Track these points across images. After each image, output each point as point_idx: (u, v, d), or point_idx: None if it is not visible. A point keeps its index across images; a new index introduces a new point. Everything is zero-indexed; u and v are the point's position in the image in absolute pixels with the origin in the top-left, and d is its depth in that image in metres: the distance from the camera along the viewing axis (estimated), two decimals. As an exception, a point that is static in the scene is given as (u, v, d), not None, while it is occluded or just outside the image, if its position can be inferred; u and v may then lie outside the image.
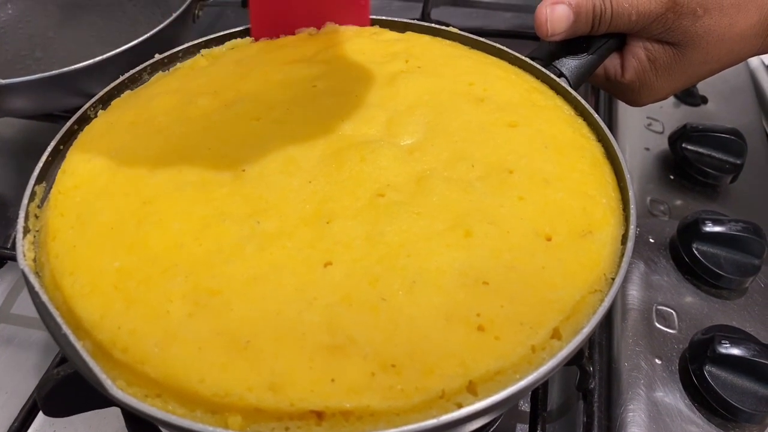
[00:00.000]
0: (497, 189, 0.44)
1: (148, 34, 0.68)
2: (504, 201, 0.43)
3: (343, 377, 0.34)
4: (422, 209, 0.42)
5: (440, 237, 0.41)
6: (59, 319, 0.37)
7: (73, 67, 0.66)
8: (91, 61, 0.65)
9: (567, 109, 0.53)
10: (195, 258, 0.39)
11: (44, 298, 0.38)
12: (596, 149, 0.49)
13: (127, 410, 0.35)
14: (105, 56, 0.66)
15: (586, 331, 0.37)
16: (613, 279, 0.41)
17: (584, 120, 0.52)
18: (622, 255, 0.42)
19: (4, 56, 0.80)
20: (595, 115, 0.51)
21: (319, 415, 0.33)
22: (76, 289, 0.38)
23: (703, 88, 0.82)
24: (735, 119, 0.79)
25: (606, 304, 0.38)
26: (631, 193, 0.45)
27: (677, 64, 0.58)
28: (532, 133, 0.49)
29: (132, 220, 0.41)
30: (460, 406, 0.33)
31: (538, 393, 0.52)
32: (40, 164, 0.47)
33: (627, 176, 0.46)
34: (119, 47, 0.66)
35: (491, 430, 0.49)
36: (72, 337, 0.37)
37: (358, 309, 0.37)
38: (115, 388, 0.34)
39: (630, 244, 0.42)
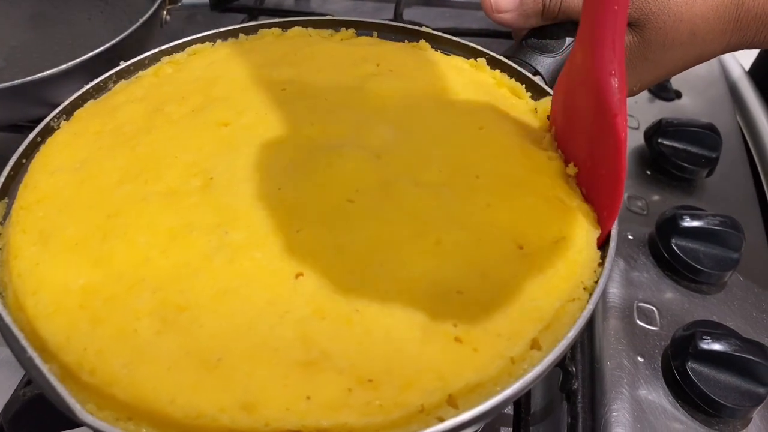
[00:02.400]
0: (465, 194, 0.43)
1: (114, 41, 0.66)
2: (473, 208, 0.42)
3: (319, 394, 0.33)
4: (391, 216, 0.41)
5: (411, 245, 0.40)
6: (24, 342, 0.35)
7: (37, 75, 0.64)
8: (55, 70, 0.63)
9: (543, 120, 0.51)
10: (162, 272, 0.38)
11: (7, 319, 0.36)
12: None
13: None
14: (70, 64, 0.64)
15: (565, 342, 0.36)
16: (595, 283, 0.40)
17: None
18: (603, 259, 0.41)
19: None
20: None
21: None
22: (39, 310, 0.37)
23: (677, 83, 0.82)
24: (709, 114, 0.79)
25: (586, 314, 0.37)
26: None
27: (636, 47, 0.57)
28: (500, 137, 0.48)
29: (97, 235, 0.40)
30: (441, 419, 0.32)
31: (520, 397, 0.51)
32: (1, 180, 0.45)
33: None
34: (85, 55, 0.64)
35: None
36: (38, 361, 0.35)
37: (332, 322, 0.36)
38: (84, 412, 0.33)
39: (611, 250, 0.41)
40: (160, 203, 0.42)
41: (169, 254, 0.39)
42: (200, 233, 0.40)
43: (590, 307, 0.37)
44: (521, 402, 0.51)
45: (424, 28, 0.60)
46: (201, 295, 0.37)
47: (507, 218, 0.42)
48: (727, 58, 0.91)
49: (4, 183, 0.45)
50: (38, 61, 0.75)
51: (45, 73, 0.63)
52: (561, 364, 0.50)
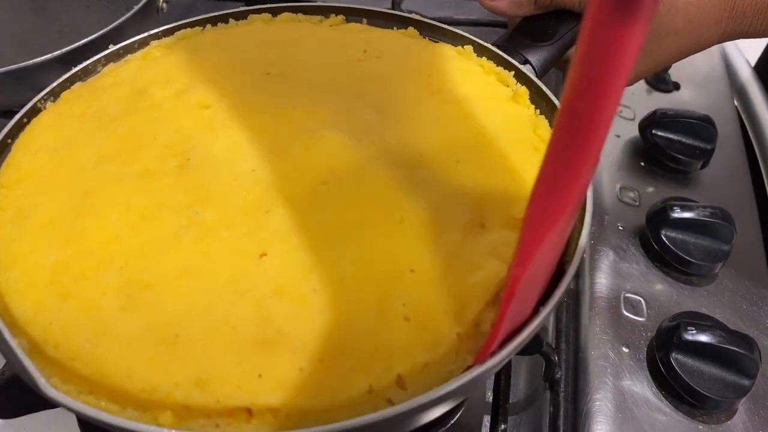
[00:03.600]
0: (440, 177, 0.43)
1: (108, 28, 0.66)
2: (444, 188, 0.42)
3: (271, 373, 0.32)
4: (362, 198, 0.41)
5: (375, 226, 0.39)
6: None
7: (32, 61, 0.64)
8: (50, 56, 0.64)
9: (527, 105, 0.51)
10: (131, 250, 0.38)
11: None
12: None
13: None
14: (65, 50, 0.64)
15: (522, 336, 0.34)
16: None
17: (552, 117, 0.50)
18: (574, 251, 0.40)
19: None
20: (558, 105, 0.49)
21: (249, 412, 0.32)
22: (11, 285, 0.37)
23: (675, 74, 0.80)
24: (708, 106, 0.78)
25: (546, 310, 0.36)
26: (588, 206, 0.42)
27: None
28: (485, 125, 0.47)
29: (71, 213, 0.40)
30: (391, 402, 0.32)
31: (500, 383, 0.51)
32: None
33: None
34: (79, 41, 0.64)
35: (452, 421, 0.48)
36: (7, 334, 0.35)
37: (290, 301, 0.36)
38: (48, 386, 0.33)
39: (584, 236, 0.40)
40: (134, 183, 0.42)
41: (139, 232, 0.39)
42: (171, 213, 0.40)
43: (541, 315, 0.35)
44: (500, 389, 0.51)
45: (413, 15, 0.59)
46: (166, 272, 0.37)
47: (476, 199, 0.41)
48: (731, 50, 0.90)
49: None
50: (38, 47, 0.75)
51: (40, 59, 0.63)
52: (540, 351, 0.50)
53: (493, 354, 0.33)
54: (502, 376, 0.51)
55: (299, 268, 0.37)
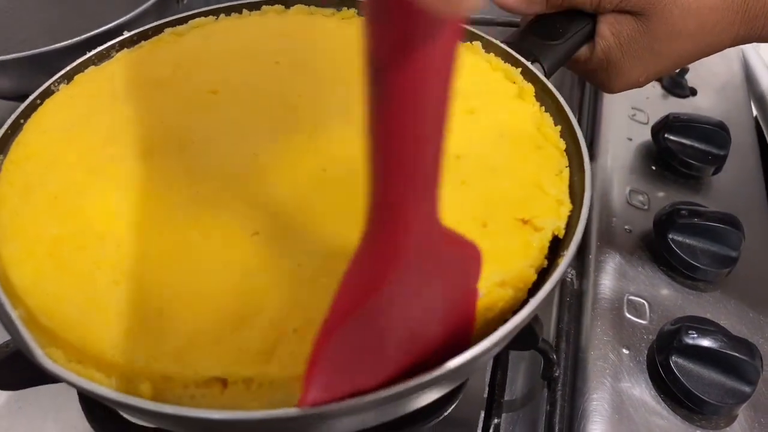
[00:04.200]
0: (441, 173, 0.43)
1: (128, 16, 0.67)
2: (444, 184, 0.42)
3: (248, 344, 0.33)
4: (361, 186, 0.41)
5: None
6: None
7: (52, 46, 0.66)
8: (70, 42, 0.65)
9: (533, 102, 0.51)
10: (129, 226, 0.39)
11: None
12: (557, 143, 0.47)
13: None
14: (84, 36, 0.65)
15: (507, 327, 0.34)
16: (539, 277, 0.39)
17: (557, 115, 0.50)
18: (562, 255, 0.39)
19: (-13, 37, 0.80)
20: (564, 104, 0.49)
21: (223, 383, 0.32)
22: (13, 257, 0.38)
23: (693, 80, 0.80)
24: (724, 113, 0.77)
25: (527, 309, 0.35)
26: (587, 185, 0.43)
27: (641, 37, 0.55)
28: (489, 121, 0.47)
29: (75, 190, 0.41)
30: None
31: (496, 378, 0.51)
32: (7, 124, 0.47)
33: (587, 169, 0.44)
34: (98, 29, 0.66)
35: (446, 414, 0.47)
36: (7, 305, 0.36)
37: (272, 275, 0.36)
38: (44, 356, 0.34)
39: (573, 245, 0.39)
40: (138, 163, 0.43)
41: (138, 209, 0.40)
42: (171, 192, 0.41)
43: (530, 306, 0.35)
44: (496, 383, 0.51)
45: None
46: (159, 248, 0.38)
47: (476, 197, 0.41)
48: (752, 58, 0.89)
49: (1, 137, 0.46)
50: (61, 34, 0.77)
51: (60, 45, 0.65)
52: (536, 347, 0.50)
53: (320, 403, 0.29)
54: (499, 371, 0.51)
55: (288, 247, 0.38)
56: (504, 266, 0.38)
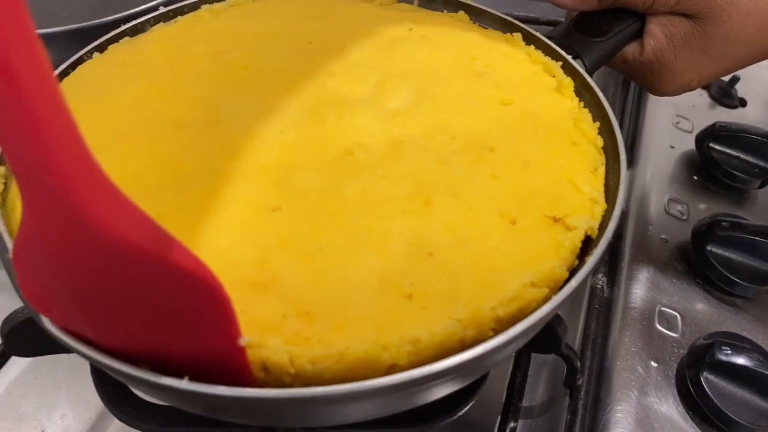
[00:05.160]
0: (472, 164, 0.41)
1: (166, -5, 0.67)
2: (475, 177, 0.40)
3: (253, 311, 0.32)
4: (388, 173, 0.40)
5: (398, 202, 0.38)
6: (6, 237, 0.36)
7: (93, 21, 0.66)
8: (110, 17, 0.66)
9: (571, 97, 0.49)
10: (146, 186, 0.38)
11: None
12: (595, 140, 0.45)
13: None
14: (125, 13, 0.65)
15: (526, 324, 0.33)
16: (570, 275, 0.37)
17: (596, 111, 0.48)
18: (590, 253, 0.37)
19: (31, 12, 0.81)
20: (603, 100, 0.47)
21: None
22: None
23: (743, 90, 0.77)
24: (775, 126, 0.74)
25: (546, 307, 0.34)
26: (622, 183, 0.41)
27: (696, 40, 0.53)
28: (524, 113, 0.46)
29: (96, 149, 0.40)
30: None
31: (515, 382, 0.49)
32: None
33: (623, 166, 0.42)
34: (138, 7, 0.66)
35: (461, 413, 0.46)
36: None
37: (293, 253, 0.35)
38: (49, 321, 0.33)
39: (602, 244, 0.37)
40: (162, 129, 0.42)
41: (159, 173, 0.39)
42: (193, 159, 0.40)
43: (549, 304, 0.34)
44: (515, 387, 0.49)
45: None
46: (178, 207, 0.37)
47: (507, 192, 0.40)
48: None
49: None
50: (101, 13, 0.77)
51: (99, 20, 0.65)
52: (559, 352, 0.48)
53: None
54: (518, 375, 0.49)
55: (310, 227, 0.36)
56: (533, 266, 0.36)
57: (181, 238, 0.34)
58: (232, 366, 0.31)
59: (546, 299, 0.35)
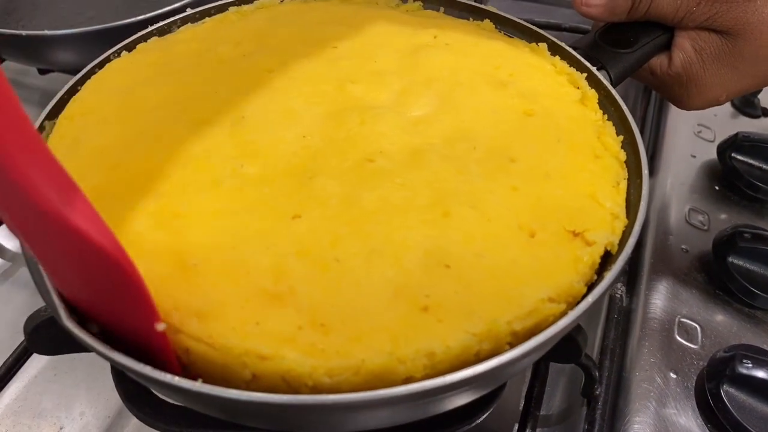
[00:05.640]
0: (493, 175, 0.41)
1: (190, -2, 0.68)
2: (496, 188, 0.40)
3: (270, 323, 0.32)
4: (407, 181, 0.40)
5: (417, 212, 0.38)
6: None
7: (118, 22, 0.67)
8: (135, 18, 0.66)
9: (595, 110, 0.48)
10: (171, 185, 0.38)
11: None
12: (618, 154, 0.44)
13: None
14: (150, 14, 0.66)
15: (540, 338, 0.32)
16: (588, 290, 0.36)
17: (620, 124, 0.47)
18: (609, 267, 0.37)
19: (59, 12, 0.81)
20: (627, 114, 0.46)
21: None
22: None
23: (766, 100, 0.75)
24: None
25: (563, 321, 0.33)
26: (643, 199, 0.40)
27: (726, 56, 0.52)
28: (547, 125, 0.45)
29: (122, 146, 0.41)
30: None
31: (533, 391, 0.49)
32: (54, 101, 0.46)
33: (645, 182, 0.41)
34: (163, 8, 0.66)
35: (479, 421, 0.46)
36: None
37: (310, 264, 0.35)
38: (68, 318, 0.33)
39: (620, 260, 0.37)
40: (188, 129, 0.42)
41: (183, 172, 0.39)
42: (218, 160, 0.40)
43: (566, 319, 0.34)
44: (533, 396, 0.48)
45: (490, 8, 0.58)
46: (200, 208, 0.37)
47: (527, 204, 0.39)
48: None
49: (58, 101, 0.47)
50: (126, 14, 0.78)
51: (124, 21, 0.66)
52: (578, 362, 0.47)
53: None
54: (536, 384, 0.49)
55: (328, 236, 0.36)
56: (551, 281, 0.36)
57: (202, 243, 0.35)
58: (157, 349, 0.32)
59: (563, 314, 0.35)
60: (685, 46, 0.54)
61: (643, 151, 0.43)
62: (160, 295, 0.32)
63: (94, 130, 0.43)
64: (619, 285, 0.58)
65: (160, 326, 0.30)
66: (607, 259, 0.39)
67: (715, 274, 0.57)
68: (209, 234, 0.36)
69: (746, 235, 0.56)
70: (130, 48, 0.52)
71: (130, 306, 0.30)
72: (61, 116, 0.45)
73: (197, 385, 0.30)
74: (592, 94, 0.49)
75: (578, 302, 0.35)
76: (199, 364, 0.32)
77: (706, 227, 0.62)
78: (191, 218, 0.36)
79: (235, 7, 0.57)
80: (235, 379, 0.32)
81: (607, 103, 0.49)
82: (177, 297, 0.33)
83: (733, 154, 0.64)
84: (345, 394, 0.29)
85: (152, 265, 0.34)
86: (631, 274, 0.59)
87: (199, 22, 0.56)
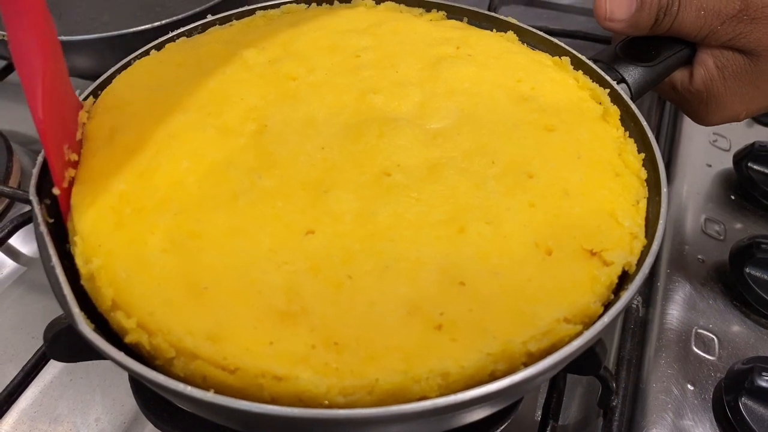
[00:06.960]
0: (510, 190, 0.40)
1: (209, 4, 0.68)
2: (513, 204, 0.39)
3: (283, 343, 0.31)
4: (424, 196, 0.39)
5: (432, 228, 0.37)
6: (50, 247, 0.36)
7: (133, 29, 0.67)
8: (149, 25, 0.66)
9: (617, 126, 0.47)
10: (190, 198, 0.38)
11: (42, 228, 0.37)
12: (639, 172, 0.43)
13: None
14: (168, 20, 0.66)
15: (555, 358, 0.32)
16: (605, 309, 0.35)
17: (641, 141, 0.46)
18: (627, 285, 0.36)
19: (73, 17, 0.81)
20: (648, 131, 0.45)
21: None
22: (79, 199, 0.38)
23: (781, 110, 0.75)
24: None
25: (578, 342, 0.33)
26: (662, 218, 0.39)
27: (748, 75, 0.51)
28: (568, 140, 0.44)
29: (152, 148, 0.40)
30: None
31: (551, 402, 0.48)
32: (91, 87, 0.47)
33: (664, 201, 0.40)
34: (181, 14, 0.66)
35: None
36: (59, 272, 0.35)
37: (322, 282, 0.34)
38: (84, 323, 0.32)
39: (637, 280, 0.36)
40: (213, 136, 0.42)
41: (202, 184, 0.39)
42: (237, 172, 0.39)
43: (582, 338, 0.33)
44: (551, 407, 0.48)
45: (508, 18, 0.57)
46: (214, 227, 0.36)
47: (544, 222, 0.38)
48: None
49: (92, 91, 0.47)
50: (140, 17, 0.78)
51: (139, 27, 0.66)
52: (597, 374, 0.47)
53: None
54: (554, 395, 0.49)
55: (341, 253, 0.35)
56: (567, 301, 0.35)
57: (213, 266, 0.35)
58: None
59: (578, 334, 0.34)
60: (707, 62, 0.53)
61: (663, 169, 0.42)
62: (174, 320, 0.32)
63: (127, 125, 0.42)
64: (635, 295, 0.57)
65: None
66: (623, 277, 0.38)
67: (732, 285, 0.56)
68: (222, 255, 0.35)
69: (764, 245, 0.55)
70: (159, 47, 0.52)
71: None
72: (97, 103, 0.45)
73: (209, 396, 0.29)
74: (614, 110, 0.47)
75: (594, 322, 0.34)
76: (217, 390, 0.32)
77: (722, 237, 0.61)
78: (205, 239, 0.36)
79: (262, 11, 0.56)
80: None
81: (627, 119, 0.47)
82: (189, 321, 0.32)
83: (749, 164, 0.63)
84: (357, 410, 0.29)
85: (162, 290, 0.34)
86: (647, 285, 0.58)
87: (227, 24, 0.55)
